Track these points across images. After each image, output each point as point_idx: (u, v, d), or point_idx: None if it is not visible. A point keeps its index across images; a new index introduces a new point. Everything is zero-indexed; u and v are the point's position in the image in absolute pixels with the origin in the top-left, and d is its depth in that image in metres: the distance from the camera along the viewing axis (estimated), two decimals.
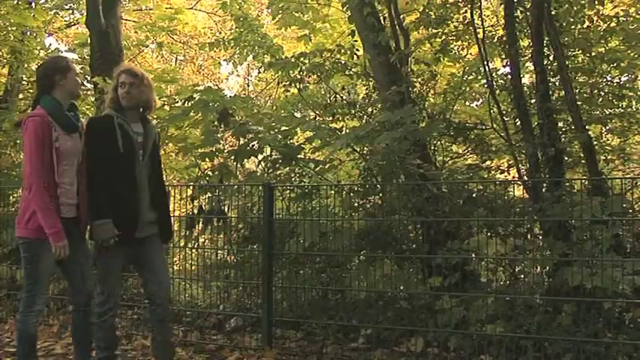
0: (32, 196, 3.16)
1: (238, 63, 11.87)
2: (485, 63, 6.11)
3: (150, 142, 3.55)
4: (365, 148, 5.74)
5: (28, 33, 10.48)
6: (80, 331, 3.56)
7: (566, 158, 5.54)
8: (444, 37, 6.71)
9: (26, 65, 10.10)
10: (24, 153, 3.27)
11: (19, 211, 3.33)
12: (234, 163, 5.84)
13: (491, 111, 6.56)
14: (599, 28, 6.50)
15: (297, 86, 7.17)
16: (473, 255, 4.52)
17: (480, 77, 7.07)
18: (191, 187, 5.65)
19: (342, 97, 7.23)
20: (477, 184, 5.05)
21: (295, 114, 9.16)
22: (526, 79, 6.81)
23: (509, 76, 5.97)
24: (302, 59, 6.95)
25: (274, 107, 10.94)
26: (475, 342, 4.12)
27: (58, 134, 3.23)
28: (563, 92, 5.75)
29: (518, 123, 5.74)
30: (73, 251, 3.26)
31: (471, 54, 7.74)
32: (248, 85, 18.07)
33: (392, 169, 5.12)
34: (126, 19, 11.47)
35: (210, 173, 5.94)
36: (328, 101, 7.28)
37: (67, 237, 3.22)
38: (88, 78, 8.17)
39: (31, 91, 9.59)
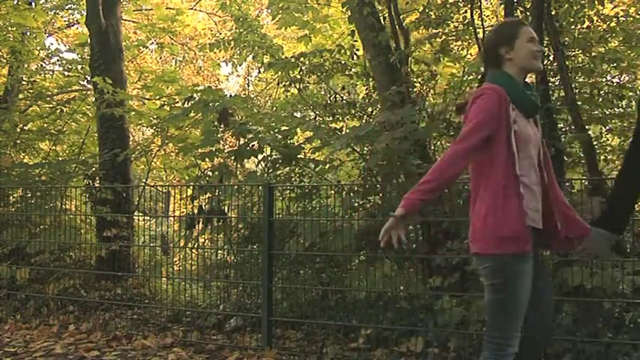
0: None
1: (238, 63, 11.89)
2: None
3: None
4: (365, 148, 5.73)
5: (28, 33, 10.48)
6: None
7: (566, 158, 5.54)
8: (444, 37, 6.71)
9: (26, 65, 10.10)
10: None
11: (475, 215, 2.40)
12: (234, 163, 5.84)
13: None
14: (599, 28, 6.51)
15: (297, 86, 7.17)
16: None
17: (480, 77, 7.06)
18: (191, 187, 5.65)
19: (342, 97, 7.22)
20: None
21: (295, 114, 9.16)
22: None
23: None
24: (302, 59, 6.95)
25: (274, 107, 10.96)
26: (475, 342, 4.11)
27: (516, 116, 2.47)
28: (563, 92, 5.76)
29: None
30: (534, 275, 2.38)
31: (470, 54, 7.75)
32: (248, 86, 18.07)
33: (392, 169, 5.11)
34: (126, 20, 11.47)
35: (210, 173, 5.94)
36: (328, 101, 7.27)
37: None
38: (88, 78, 8.19)
39: (31, 91, 9.57)
